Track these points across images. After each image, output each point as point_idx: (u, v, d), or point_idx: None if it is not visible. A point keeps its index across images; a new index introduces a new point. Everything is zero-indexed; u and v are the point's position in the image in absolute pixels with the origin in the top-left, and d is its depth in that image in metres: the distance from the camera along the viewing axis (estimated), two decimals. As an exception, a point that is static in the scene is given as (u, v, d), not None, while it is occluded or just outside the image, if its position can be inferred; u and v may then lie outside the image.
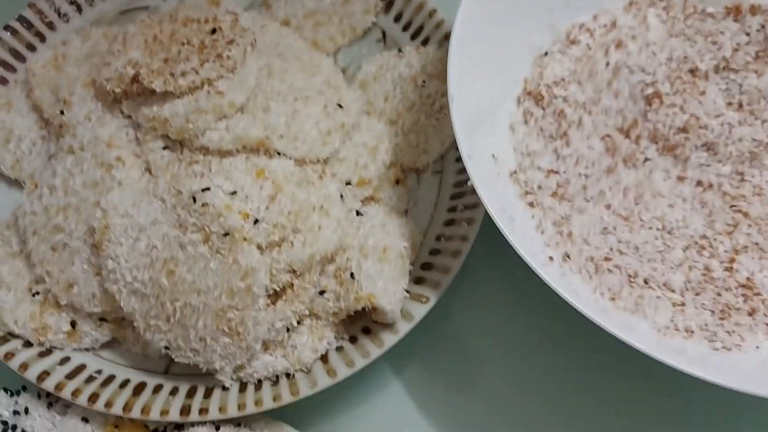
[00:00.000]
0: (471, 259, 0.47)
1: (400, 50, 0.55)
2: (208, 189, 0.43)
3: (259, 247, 0.43)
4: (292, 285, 0.44)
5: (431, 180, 0.51)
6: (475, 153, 0.43)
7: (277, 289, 0.43)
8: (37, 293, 0.47)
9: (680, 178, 0.50)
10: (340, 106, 0.50)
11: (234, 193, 0.43)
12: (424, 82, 0.53)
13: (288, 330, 0.44)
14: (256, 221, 0.43)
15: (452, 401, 0.48)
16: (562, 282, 0.42)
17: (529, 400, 0.48)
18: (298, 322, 0.45)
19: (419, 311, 0.45)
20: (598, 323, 0.37)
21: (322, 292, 0.45)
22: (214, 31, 0.50)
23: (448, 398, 0.48)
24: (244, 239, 0.42)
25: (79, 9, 0.58)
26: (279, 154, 0.46)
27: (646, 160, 0.50)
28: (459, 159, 0.52)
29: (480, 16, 0.48)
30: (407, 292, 0.46)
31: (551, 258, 0.43)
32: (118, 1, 0.59)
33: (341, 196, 0.47)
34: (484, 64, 0.49)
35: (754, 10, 0.54)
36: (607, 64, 0.52)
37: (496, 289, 0.50)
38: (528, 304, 0.50)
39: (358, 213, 0.48)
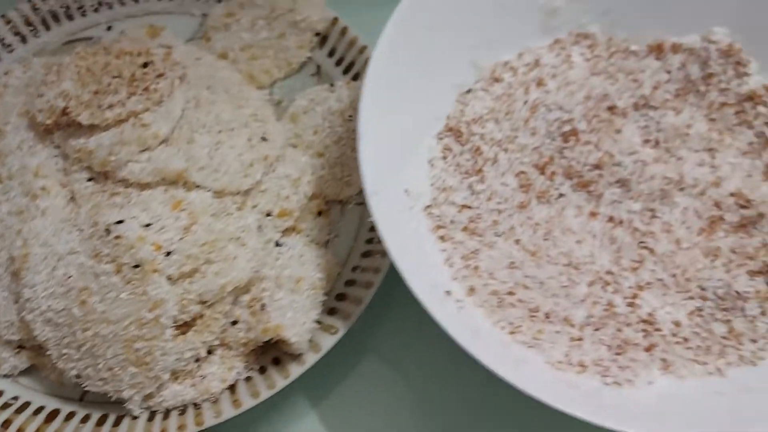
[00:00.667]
0: (389, 289, 0.48)
1: (331, 84, 0.57)
2: (122, 221, 0.44)
3: (170, 278, 0.44)
4: (202, 315, 0.45)
5: (353, 212, 0.53)
6: (383, 189, 0.45)
7: (188, 319, 0.45)
8: (-43, 320, 0.48)
9: (593, 214, 0.51)
10: (264, 138, 0.51)
11: (149, 225, 0.45)
12: (350, 116, 0.54)
13: (198, 360, 0.45)
14: (168, 253, 0.44)
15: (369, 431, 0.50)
16: (459, 316, 0.44)
17: (445, 423, 0.49)
18: (209, 352, 0.46)
19: (327, 342, 0.46)
20: (473, 356, 0.39)
21: (234, 322, 0.47)
22: (146, 64, 0.52)
23: (365, 428, 0.50)
24: (154, 271, 0.43)
25: (24, 39, 0.60)
26: (198, 186, 0.48)
27: (560, 195, 0.52)
28: (381, 192, 0.53)
29: (399, 53, 0.50)
30: (319, 323, 0.47)
31: (448, 292, 0.45)
32: (61, 32, 0.61)
33: (259, 227, 0.48)
34: (404, 100, 0.50)
35: (675, 48, 0.55)
36: (525, 102, 0.54)
37: (411, 319, 0.52)
38: (440, 335, 0.51)
39: (277, 244, 0.50)
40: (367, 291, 0.48)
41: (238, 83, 0.55)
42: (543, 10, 0.56)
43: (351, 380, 0.51)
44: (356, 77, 0.57)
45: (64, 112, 0.49)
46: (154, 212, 0.46)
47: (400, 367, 0.51)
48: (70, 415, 0.46)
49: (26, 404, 0.47)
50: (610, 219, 0.51)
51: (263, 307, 0.46)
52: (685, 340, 0.47)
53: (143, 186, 0.47)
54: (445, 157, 0.52)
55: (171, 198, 0.47)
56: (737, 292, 0.47)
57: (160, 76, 0.51)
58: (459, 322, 0.42)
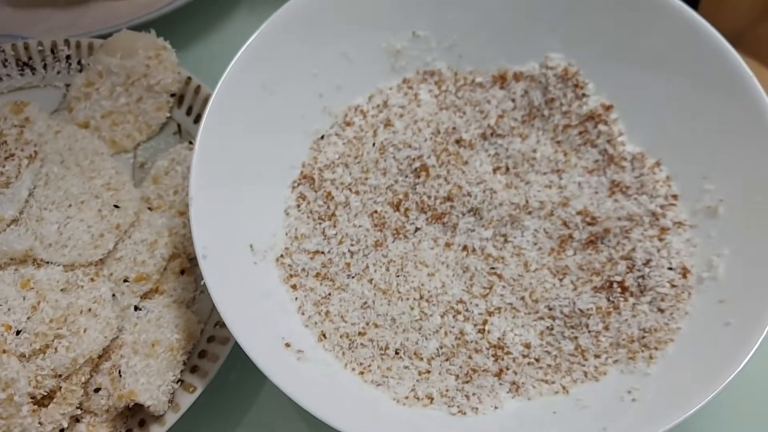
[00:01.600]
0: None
1: (190, 142, 0.58)
2: (-31, 306, 0.45)
3: (22, 356, 0.45)
4: (60, 388, 0.46)
5: (217, 267, 0.54)
6: (217, 249, 0.46)
7: (45, 393, 0.46)
8: None
9: (448, 245, 0.53)
10: (116, 206, 0.53)
11: (-2, 306, 0.46)
12: (208, 173, 0.56)
13: (63, 430, 0.46)
14: (18, 332, 0.45)
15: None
16: (298, 367, 0.45)
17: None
18: (77, 420, 0.47)
19: (186, 401, 0.47)
20: (299, 403, 0.40)
21: (97, 390, 0.48)
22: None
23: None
24: (4, 351, 0.44)
25: None
26: (48, 263, 0.49)
27: (417, 230, 0.53)
28: (244, 245, 0.55)
29: (237, 108, 0.51)
30: (180, 381, 0.48)
31: (288, 344, 0.46)
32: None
33: (114, 295, 0.50)
34: (249, 155, 0.52)
35: (517, 76, 0.58)
36: (374, 144, 0.56)
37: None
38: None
39: (136, 308, 0.51)
40: (224, 347, 0.49)
41: (93, 153, 0.56)
42: (387, 52, 0.58)
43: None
44: (215, 134, 0.59)
45: None
46: (2, 294, 0.47)
47: (260, 420, 0.52)
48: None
49: None
50: (464, 248, 0.53)
51: (120, 373, 0.47)
52: (537, 360, 0.49)
53: (-5, 268, 0.49)
54: (299, 206, 0.54)
55: (20, 277, 0.48)
56: (581, 310, 0.49)
57: (9, 157, 0.52)
58: (297, 373, 0.43)
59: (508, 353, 0.49)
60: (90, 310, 0.48)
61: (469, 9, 0.57)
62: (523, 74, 0.58)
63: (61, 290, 0.48)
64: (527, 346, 0.49)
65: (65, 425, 0.46)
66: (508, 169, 0.56)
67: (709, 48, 0.50)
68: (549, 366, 0.48)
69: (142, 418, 0.48)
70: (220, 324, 0.51)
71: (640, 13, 0.53)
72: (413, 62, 0.59)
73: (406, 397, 0.46)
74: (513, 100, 0.58)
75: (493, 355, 0.49)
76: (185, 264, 0.54)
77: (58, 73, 0.63)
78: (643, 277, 0.50)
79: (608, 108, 0.56)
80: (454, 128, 0.57)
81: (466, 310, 0.50)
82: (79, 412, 0.47)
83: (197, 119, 0.60)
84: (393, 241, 0.53)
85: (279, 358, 0.44)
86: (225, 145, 0.50)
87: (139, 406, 0.47)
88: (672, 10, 0.51)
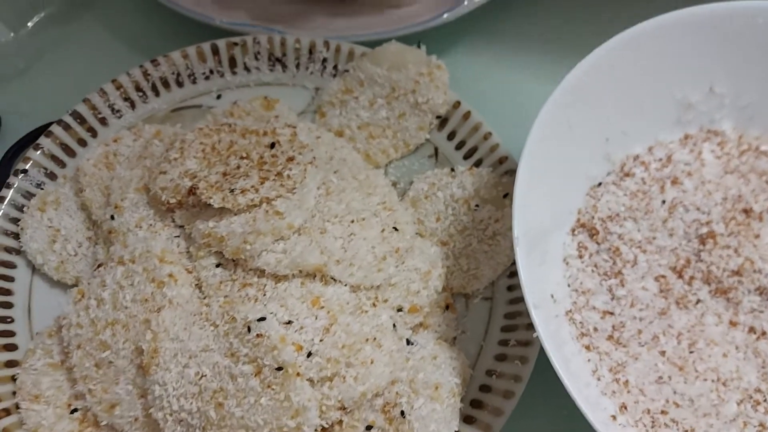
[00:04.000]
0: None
1: (452, 169, 0.55)
2: (263, 319, 0.42)
3: (311, 381, 0.42)
4: (341, 422, 0.43)
5: (481, 306, 0.51)
6: (541, 300, 0.43)
7: (326, 426, 0.42)
8: (76, 410, 0.45)
9: (732, 323, 0.49)
10: (395, 228, 0.49)
11: (289, 322, 0.43)
12: (477, 205, 0.52)
13: (336, 469, 0.43)
14: (309, 354, 0.42)
15: None
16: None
17: None
18: (345, 458, 0.43)
19: (471, 456, 0.43)
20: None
21: (369, 428, 0.44)
22: (273, 145, 0.50)
23: None
24: (297, 374, 0.41)
25: (133, 105, 0.58)
26: (334, 280, 0.45)
27: (698, 301, 0.49)
28: (510, 287, 0.51)
29: (544, 148, 0.48)
30: None
31: (614, 417, 0.42)
32: (170, 99, 0.59)
33: (393, 325, 0.46)
34: (541, 196, 0.49)
35: (807, 150, 0.54)
36: (663, 201, 0.52)
37: (544, 428, 0.49)
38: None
39: (408, 342, 0.47)
40: (509, 402, 0.45)
41: (363, 167, 0.53)
42: (679, 104, 0.54)
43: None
44: (479, 163, 0.55)
45: (191, 192, 0.47)
46: (293, 309, 0.43)
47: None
48: None
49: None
50: (751, 329, 0.49)
51: (402, 414, 0.43)
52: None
53: (278, 278, 0.45)
54: (581, 256, 0.50)
55: (309, 293, 0.44)
56: None
57: (290, 159, 0.49)
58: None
59: (816, 456, 0.44)
60: (375, 339, 0.44)
61: (773, 71, 0.53)
62: (816, 149, 0.54)
63: (350, 314, 0.44)
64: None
65: (341, 462, 0.43)
66: (796, 248, 0.51)
67: None
68: None
69: (409, 464, 0.44)
70: (497, 375, 0.47)
71: None
72: (699, 118, 0.55)
73: (722, 492, 0.41)
74: (801, 173, 0.53)
75: (799, 456, 0.44)
76: (449, 299, 0.50)
77: (311, 74, 0.60)
78: None
79: None
80: (740, 196, 0.53)
81: (765, 401, 0.46)
82: (352, 449, 0.44)
83: (460, 146, 0.56)
84: (676, 311, 0.49)
85: (605, 422, 0.39)
86: (533, 184, 0.46)
87: (407, 451, 0.44)
88: None
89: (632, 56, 0.50)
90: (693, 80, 0.53)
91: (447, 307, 0.50)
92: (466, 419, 0.45)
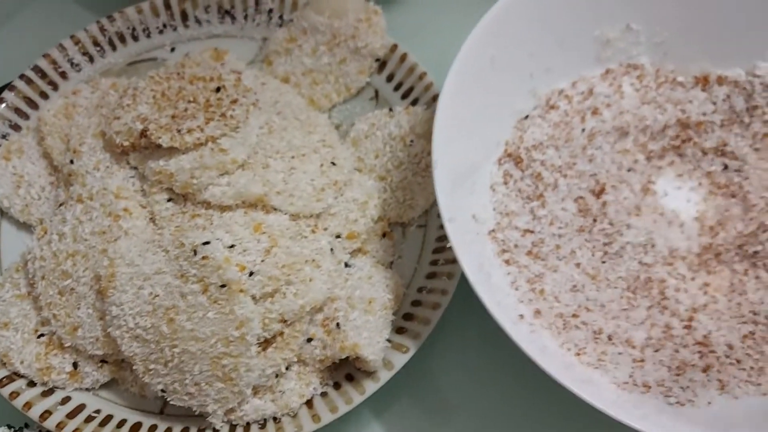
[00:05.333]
0: (449, 309, 0.50)
1: (390, 109, 0.59)
2: (208, 243, 0.46)
3: (253, 297, 0.46)
4: (282, 333, 0.47)
5: (416, 234, 0.55)
6: (455, 215, 0.47)
7: (268, 337, 0.47)
8: (43, 335, 0.50)
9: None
10: (333, 163, 0.53)
11: (233, 246, 0.47)
12: (412, 141, 0.57)
13: (277, 376, 0.47)
14: (251, 273, 0.46)
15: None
16: (530, 338, 0.46)
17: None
18: (287, 368, 0.48)
19: (399, 360, 0.48)
20: (559, 381, 0.41)
21: (309, 340, 0.49)
22: (218, 89, 0.54)
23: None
24: (241, 291, 0.45)
25: (91, 59, 0.62)
26: (275, 209, 0.50)
27: (611, 221, 0.54)
28: (442, 215, 0.56)
29: (466, 82, 0.52)
30: (389, 341, 0.49)
31: (522, 316, 0.47)
32: (126, 53, 0.63)
33: (331, 249, 0.50)
34: (467, 128, 0.53)
35: (721, 80, 0.58)
36: (583, 130, 0.56)
37: (473, 338, 0.54)
38: (502, 354, 0.53)
39: (346, 265, 0.52)
40: (435, 312, 0.50)
41: (305, 108, 0.57)
42: (598, 41, 0.58)
43: (412, 394, 0.53)
44: (415, 102, 0.59)
45: (143, 134, 0.51)
46: (237, 234, 0.48)
47: (464, 387, 0.53)
48: (152, 428, 0.48)
49: (109, 417, 0.48)
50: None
51: (338, 326, 0.48)
52: (738, 361, 0.49)
53: (223, 208, 0.49)
54: (506, 183, 0.54)
55: (251, 220, 0.49)
56: (788, 317, 0.50)
57: (234, 102, 0.53)
58: (532, 343, 0.44)
59: (712, 351, 0.49)
60: (314, 260, 0.49)
61: (686, 8, 0.57)
62: (727, 79, 0.58)
63: (290, 238, 0.49)
64: (730, 347, 0.50)
65: (283, 370, 0.47)
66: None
67: None
68: (752, 368, 0.49)
69: (349, 373, 0.49)
70: (427, 290, 0.52)
71: None
72: (618, 54, 0.59)
73: (625, 383, 0.46)
74: (714, 103, 0.58)
75: (698, 352, 0.49)
76: (386, 228, 0.55)
77: (257, 25, 0.63)
78: None
79: (815, 121, 0.56)
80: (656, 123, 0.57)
81: (673, 305, 0.51)
82: (293, 360, 0.48)
83: (398, 87, 0.60)
84: (594, 228, 0.53)
85: (518, 329, 0.44)
86: (455, 115, 0.50)
87: (347, 360, 0.48)
88: None
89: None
90: (610, 18, 0.57)
91: (384, 235, 0.55)
92: (399, 330, 0.50)
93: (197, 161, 0.50)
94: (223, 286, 0.45)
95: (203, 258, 0.46)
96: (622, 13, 0.57)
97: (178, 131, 0.50)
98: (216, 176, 0.50)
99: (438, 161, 0.47)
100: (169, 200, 0.51)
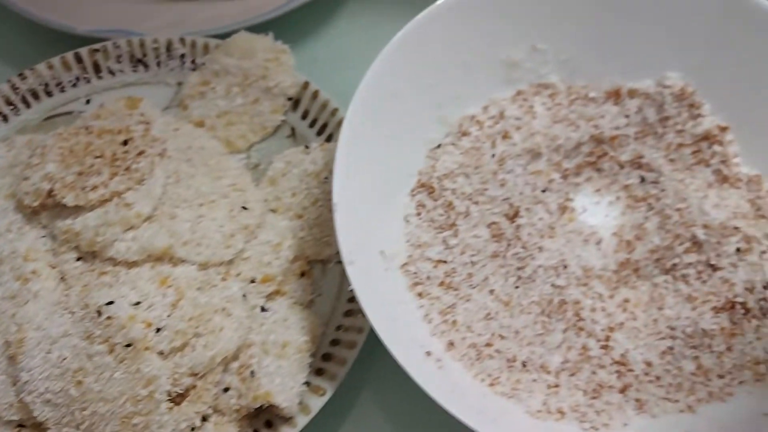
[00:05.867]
0: (371, 346, 0.50)
1: (306, 147, 0.59)
2: (112, 302, 0.46)
3: (161, 353, 0.46)
4: (195, 386, 0.47)
5: (334, 270, 0.55)
6: (360, 255, 0.47)
7: (181, 391, 0.47)
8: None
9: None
10: (244, 207, 0.53)
11: (138, 303, 0.47)
12: (326, 177, 0.57)
13: (193, 429, 0.47)
14: (158, 329, 0.46)
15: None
16: (439, 375, 0.46)
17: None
18: (204, 420, 0.48)
19: (316, 403, 0.48)
20: (452, 413, 0.41)
21: (226, 389, 0.48)
22: (126, 142, 0.54)
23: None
24: (146, 348, 0.45)
25: (5, 118, 0.62)
26: (183, 260, 0.50)
27: (525, 243, 0.54)
28: (360, 250, 0.56)
29: (369, 118, 0.52)
30: (307, 383, 0.49)
31: (429, 353, 0.47)
32: (41, 108, 0.63)
33: (244, 295, 0.50)
34: (376, 162, 0.53)
35: (632, 93, 0.58)
36: (493, 155, 0.56)
37: (392, 376, 0.53)
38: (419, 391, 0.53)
39: (262, 309, 0.51)
40: (351, 351, 0.50)
41: (217, 153, 0.57)
42: (505, 64, 0.58)
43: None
44: (330, 138, 0.59)
45: (50, 194, 0.51)
46: (143, 290, 0.48)
47: (383, 426, 0.53)
48: (72, 491, 0.47)
49: (28, 482, 0.48)
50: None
51: (252, 373, 0.48)
52: (657, 378, 0.49)
53: (130, 264, 0.49)
54: (419, 214, 0.55)
55: (158, 274, 0.49)
56: (703, 330, 0.50)
57: (140, 154, 0.53)
58: (439, 380, 0.44)
59: (630, 370, 0.49)
60: (224, 309, 0.49)
61: (588, 24, 0.57)
62: (638, 91, 0.58)
63: (197, 289, 0.49)
64: (648, 364, 0.50)
65: (198, 424, 0.47)
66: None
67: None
68: (671, 385, 0.49)
69: (268, 419, 0.49)
70: (344, 328, 0.52)
71: (761, 37, 0.54)
72: (528, 75, 0.59)
73: (539, 411, 0.46)
74: (627, 117, 0.58)
75: (616, 372, 0.49)
76: (304, 267, 0.55)
77: (171, 70, 0.63)
78: (765, 299, 0.50)
79: (724, 129, 0.56)
80: (568, 141, 0.57)
81: (589, 326, 0.51)
82: (209, 411, 0.48)
83: (312, 123, 0.61)
84: (510, 253, 0.54)
85: (423, 367, 0.44)
86: (360, 152, 0.51)
87: (268, 407, 0.48)
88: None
89: (445, 25, 0.54)
90: (513, 40, 0.58)
91: (303, 274, 0.55)
92: (318, 371, 0.50)
93: (102, 218, 0.50)
94: (128, 345, 0.45)
95: (107, 318, 0.46)
96: (524, 34, 0.57)
97: (83, 189, 0.50)
98: (121, 232, 0.50)
99: (338, 204, 0.47)
100: (78, 259, 0.51)
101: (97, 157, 0.53)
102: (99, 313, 0.46)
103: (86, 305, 0.47)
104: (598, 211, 0.57)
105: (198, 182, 0.53)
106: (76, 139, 0.55)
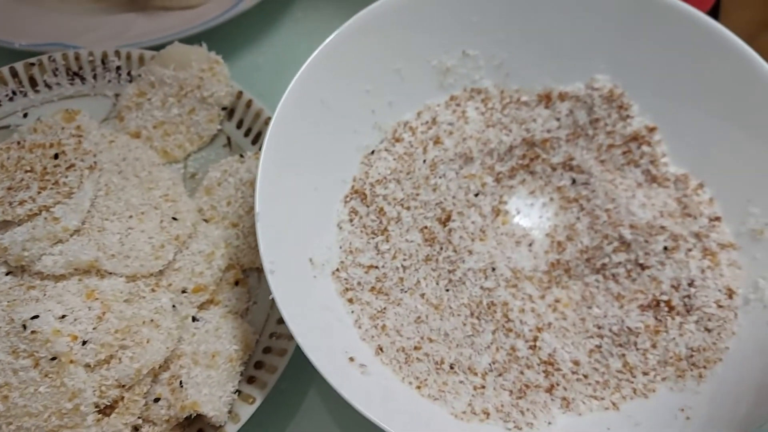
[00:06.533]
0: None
1: (241, 155, 0.59)
2: (37, 316, 0.46)
3: (88, 366, 0.46)
4: (123, 398, 0.47)
5: (270, 278, 0.55)
6: (283, 264, 0.47)
7: (109, 403, 0.47)
8: None
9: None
10: (175, 218, 0.54)
11: (64, 316, 0.47)
12: (260, 186, 0.57)
13: (123, 440, 0.47)
14: (84, 342, 0.46)
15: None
16: (360, 380, 0.46)
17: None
18: (136, 430, 0.48)
19: (246, 411, 0.48)
20: (369, 417, 0.41)
21: (157, 400, 0.49)
22: (57, 155, 0.54)
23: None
24: (71, 361, 0.45)
25: (-59, 134, 0.62)
26: (110, 273, 0.50)
27: (455, 247, 0.55)
28: (294, 257, 0.56)
29: (297, 127, 0.52)
30: (239, 392, 0.49)
31: (352, 358, 0.47)
32: (-22, 123, 0.62)
33: (174, 306, 0.50)
34: (306, 170, 0.53)
35: (563, 96, 0.59)
36: (425, 161, 0.57)
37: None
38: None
39: (194, 319, 0.52)
40: (282, 359, 0.50)
41: (151, 164, 0.57)
42: (437, 70, 0.59)
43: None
44: (265, 146, 0.60)
45: (-21, 210, 0.51)
46: (69, 304, 0.48)
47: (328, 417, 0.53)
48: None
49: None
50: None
51: (181, 384, 0.48)
52: (585, 377, 0.50)
53: (58, 278, 0.49)
54: (351, 220, 0.55)
55: (84, 288, 0.49)
56: (629, 328, 0.50)
57: (70, 167, 0.53)
58: (362, 385, 0.44)
59: (558, 369, 0.50)
60: (152, 320, 0.49)
61: (518, 29, 0.58)
62: (569, 94, 0.59)
63: (125, 301, 0.49)
64: (576, 363, 0.50)
65: (128, 434, 0.47)
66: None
67: (755, 76, 0.51)
68: (597, 382, 0.50)
69: (199, 428, 0.49)
70: (277, 336, 0.52)
71: (687, 41, 0.54)
72: (461, 80, 0.60)
73: (464, 412, 0.47)
74: (558, 119, 0.59)
75: (544, 371, 0.50)
76: (239, 275, 0.55)
77: (108, 82, 0.63)
78: (689, 296, 0.51)
79: (652, 130, 0.57)
80: (501, 144, 0.58)
81: (517, 327, 0.51)
82: (139, 421, 0.48)
83: (247, 133, 0.61)
84: (442, 257, 0.54)
85: (345, 373, 0.45)
86: (286, 161, 0.51)
87: (198, 416, 0.48)
88: (721, 40, 0.52)
89: (374, 32, 0.55)
90: (444, 47, 0.58)
91: (237, 283, 0.55)
92: (250, 379, 0.50)
93: (29, 233, 0.50)
94: (53, 359, 0.45)
95: (32, 333, 0.46)
96: (454, 41, 0.58)
97: (11, 204, 0.50)
98: (48, 246, 0.50)
99: (261, 213, 0.48)
100: (7, 273, 0.51)
101: (28, 171, 0.53)
102: (24, 327, 0.46)
103: (11, 320, 0.47)
104: (533, 212, 0.58)
105: (129, 194, 0.53)
106: (8, 154, 0.55)
